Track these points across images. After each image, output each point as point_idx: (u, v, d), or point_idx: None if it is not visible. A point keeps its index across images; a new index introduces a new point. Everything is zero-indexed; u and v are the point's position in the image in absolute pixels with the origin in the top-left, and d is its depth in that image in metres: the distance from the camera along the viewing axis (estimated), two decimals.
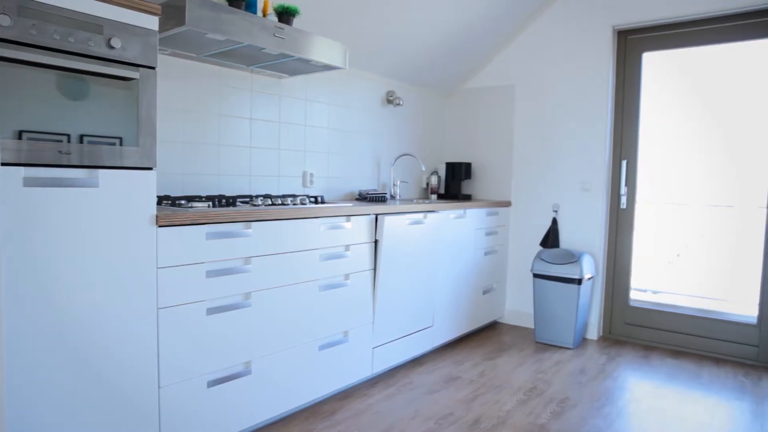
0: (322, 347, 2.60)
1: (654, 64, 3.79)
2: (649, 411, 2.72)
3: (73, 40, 1.66)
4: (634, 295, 3.90)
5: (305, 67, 2.76)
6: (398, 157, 3.94)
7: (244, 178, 2.93)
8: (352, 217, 2.71)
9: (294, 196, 2.83)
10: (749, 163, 3.49)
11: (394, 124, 3.97)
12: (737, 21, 3.45)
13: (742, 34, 3.45)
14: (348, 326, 2.75)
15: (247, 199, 2.59)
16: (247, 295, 2.23)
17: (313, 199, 2.85)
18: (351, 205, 2.80)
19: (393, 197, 3.89)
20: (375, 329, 2.92)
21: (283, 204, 2.58)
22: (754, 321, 3.48)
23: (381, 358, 2.99)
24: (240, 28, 2.25)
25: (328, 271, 2.60)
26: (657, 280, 3.87)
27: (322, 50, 2.62)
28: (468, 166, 4.27)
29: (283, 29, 2.42)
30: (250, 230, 2.21)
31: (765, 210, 3.41)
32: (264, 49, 2.40)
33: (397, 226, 2.96)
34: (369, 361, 2.91)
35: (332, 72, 3.39)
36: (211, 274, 2.08)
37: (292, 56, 2.53)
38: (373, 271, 2.88)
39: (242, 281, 2.20)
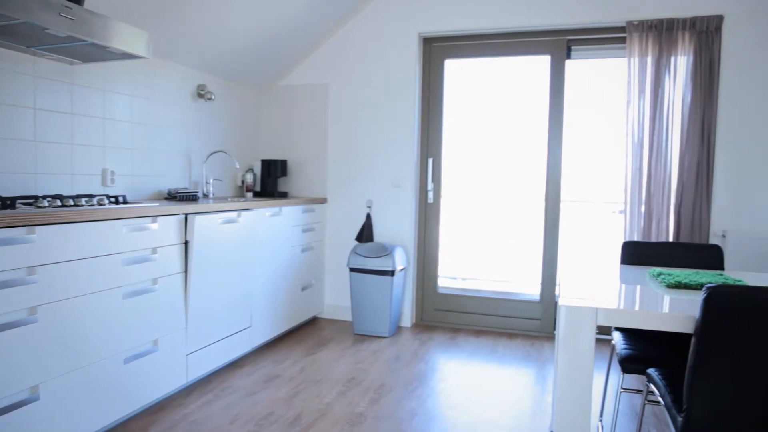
0: (129, 359, 2.39)
1: (455, 70, 4.15)
2: (456, 387, 2.98)
3: None
4: (443, 283, 4.25)
5: (101, 53, 2.50)
6: (211, 154, 3.77)
7: (28, 176, 2.57)
8: (158, 218, 2.53)
9: (91, 196, 2.55)
10: (533, 161, 4.00)
11: (206, 119, 3.80)
12: (518, 38, 3.93)
13: (523, 50, 3.94)
14: (158, 334, 2.56)
15: (32, 200, 2.27)
16: (33, 310, 1.96)
17: (113, 199, 2.60)
18: (157, 204, 2.62)
19: (206, 196, 3.72)
20: (188, 334, 2.77)
21: (76, 205, 2.31)
22: (537, 298, 4.01)
23: (196, 364, 2.84)
24: (13, 1, 1.95)
25: (132, 276, 2.39)
26: (464, 268, 4.26)
27: (120, 36, 2.39)
28: (284, 163, 4.25)
29: (71, 9, 2.16)
30: (34, 235, 1.95)
31: (544, 203, 3.95)
32: (48, 29, 2.12)
33: (209, 225, 2.83)
34: (183, 369, 2.75)
35: (135, 61, 3.12)
36: None
37: (84, 40, 2.27)
38: (184, 273, 2.72)
39: (25, 294, 1.93)
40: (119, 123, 3.05)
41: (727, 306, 1.39)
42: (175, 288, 2.66)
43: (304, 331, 3.96)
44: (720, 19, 3.42)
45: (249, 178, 4.13)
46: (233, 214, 3.04)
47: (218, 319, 3.00)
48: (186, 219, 2.72)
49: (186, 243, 2.73)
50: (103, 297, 2.25)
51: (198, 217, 2.73)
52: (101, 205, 2.41)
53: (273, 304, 3.56)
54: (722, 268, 2.57)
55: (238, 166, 3.75)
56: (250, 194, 4.13)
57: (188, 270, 2.73)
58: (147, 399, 2.51)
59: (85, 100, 2.84)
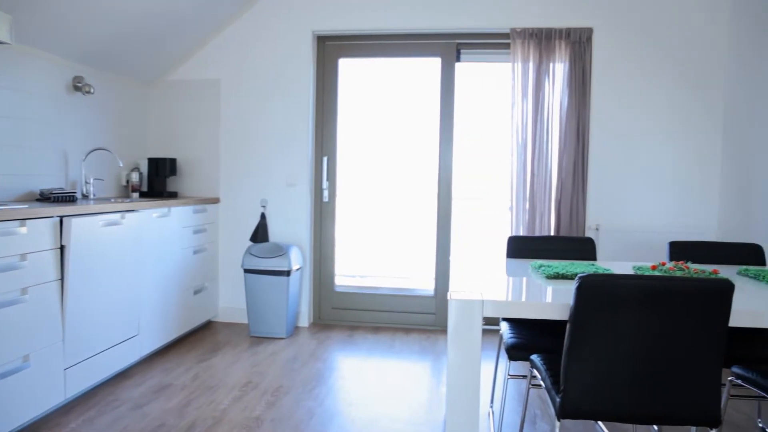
0: None
1: (350, 69, 4.17)
2: (354, 384, 3.00)
3: None
4: (340, 281, 4.26)
5: None
6: (90, 152, 3.51)
7: None
8: (28, 221, 2.32)
9: None
10: (426, 160, 4.12)
11: (85, 114, 3.53)
12: (410, 40, 4.03)
13: (415, 51, 4.04)
14: (29, 349, 2.35)
15: None
16: None
17: None
18: (26, 206, 2.40)
19: (86, 196, 3.45)
20: (66, 347, 2.56)
21: None
22: (432, 293, 4.14)
23: (77, 378, 2.64)
24: None
25: None
26: (362, 266, 4.30)
27: None
28: (173, 161, 4.06)
29: None
30: None
31: (437, 201, 4.08)
32: None
33: (88, 228, 2.64)
34: (61, 385, 2.54)
35: None
36: None
37: None
38: (60, 281, 2.52)
39: None
40: None
41: (595, 293, 1.51)
42: (49, 297, 2.45)
43: (198, 337, 3.81)
44: (590, 31, 3.72)
45: (135, 177, 3.89)
46: (116, 216, 2.86)
47: (101, 329, 2.80)
48: (62, 222, 2.51)
49: (62, 248, 2.52)
50: None
51: (75, 220, 2.53)
52: None
53: (163, 310, 3.39)
54: (595, 259, 2.80)
55: (122, 165, 3.53)
56: (136, 194, 3.90)
57: (65, 277, 2.53)
58: (16, 422, 2.29)
59: None
